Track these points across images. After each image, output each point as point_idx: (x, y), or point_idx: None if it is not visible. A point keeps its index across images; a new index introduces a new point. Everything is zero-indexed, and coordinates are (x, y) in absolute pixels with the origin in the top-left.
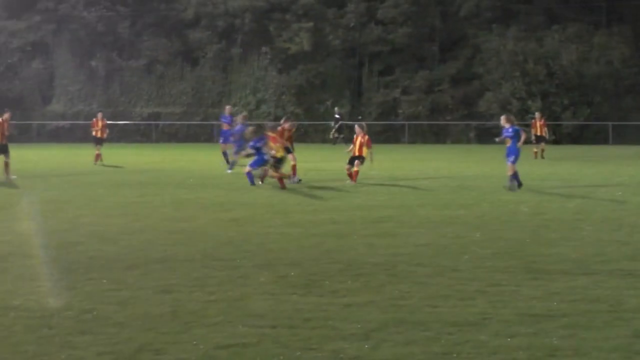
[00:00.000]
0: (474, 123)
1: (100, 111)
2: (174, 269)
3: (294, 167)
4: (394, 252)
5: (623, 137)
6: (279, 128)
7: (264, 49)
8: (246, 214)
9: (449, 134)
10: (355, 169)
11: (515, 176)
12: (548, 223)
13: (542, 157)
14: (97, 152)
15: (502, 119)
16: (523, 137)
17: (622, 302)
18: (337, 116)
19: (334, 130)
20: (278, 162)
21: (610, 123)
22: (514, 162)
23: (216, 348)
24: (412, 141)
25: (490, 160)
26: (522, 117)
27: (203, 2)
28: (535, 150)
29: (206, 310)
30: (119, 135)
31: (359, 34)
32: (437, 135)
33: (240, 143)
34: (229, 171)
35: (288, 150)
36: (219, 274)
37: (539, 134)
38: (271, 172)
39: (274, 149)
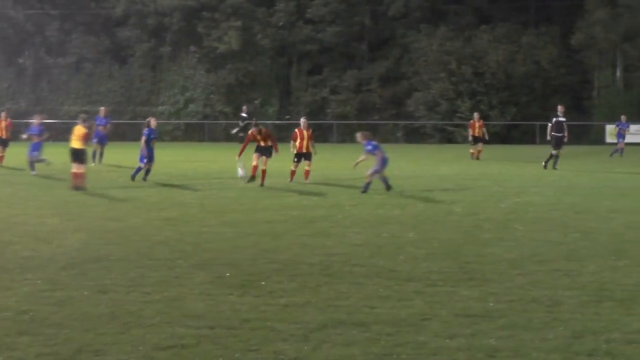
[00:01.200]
0: (402, 122)
1: (4, 110)
2: (110, 269)
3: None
4: (330, 252)
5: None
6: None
7: (192, 47)
8: (180, 213)
9: (377, 133)
10: (306, 168)
11: (368, 185)
12: (482, 223)
13: (478, 159)
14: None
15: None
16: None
17: (560, 303)
18: (244, 115)
19: (238, 128)
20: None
21: (537, 123)
22: (378, 172)
23: (155, 349)
24: (341, 140)
25: (419, 160)
26: (451, 117)
27: (132, 0)
28: (472, 151)
29: (144, 311)
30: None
31: (288, 33)
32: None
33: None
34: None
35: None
36: (155, 274)
37: (476, 135)
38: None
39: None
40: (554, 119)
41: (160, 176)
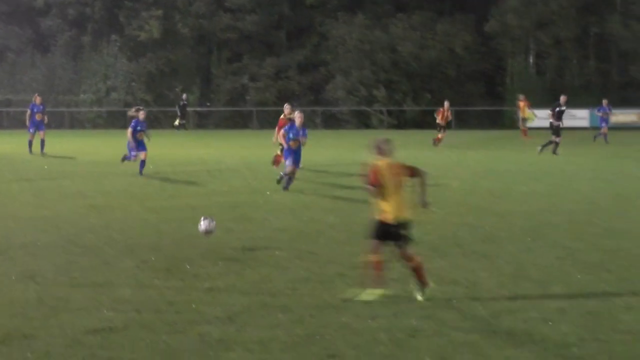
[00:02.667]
0: (320, 109)
1: None
2: (37, 255)
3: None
4: (253, 237)
5: (465, 122)
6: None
7: (113, 36)
8: (105, 201)
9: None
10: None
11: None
12: None
13: (436, 145)
14: None
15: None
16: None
17: (478, 283)
18: (184, 102)
19: (178, 117)
20: None
21: (453, 108)
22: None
23: (84, 333)
24: (261, 127)
25: (337, 146)
26: (370, 104)
27: None
28: (439, 136)
29: (71, 296)
30: None
31: (208, 21)
32: None
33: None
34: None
35: None
36: (83, 260)
37: (443, 123)
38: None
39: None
40: (557, 109)
41: (85, 165)
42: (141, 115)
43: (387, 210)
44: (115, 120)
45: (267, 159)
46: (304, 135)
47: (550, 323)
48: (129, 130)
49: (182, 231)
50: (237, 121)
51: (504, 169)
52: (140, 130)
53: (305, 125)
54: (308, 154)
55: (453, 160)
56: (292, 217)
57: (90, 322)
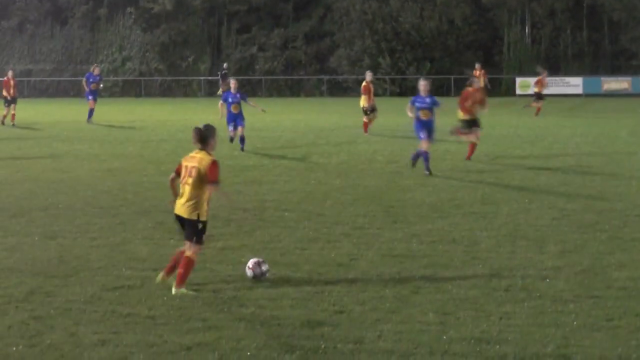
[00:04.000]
0: (326, 77)
1: (11, 69)
2: (57, 217)
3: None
4: (262, 199)
5: (487, 89)
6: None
7: (129, 9)
8: (121, 164)
9: (302, 88)
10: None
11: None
12: (402, 170)
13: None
14: None
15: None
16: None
17: (477, 243)
18: (225, 71)
19: (221, 86)
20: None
21: (452, 77)
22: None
23: (103, 290)
24: (269, 95)
25: (342, 113)
26: (373, 72)
27: None
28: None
29: (90, 255)
30: None
31: None
32: (291, 89)
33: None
34: None
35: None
36: (100, 221)
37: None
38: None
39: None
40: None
41: (102, 130)
42: (232, 85)
43: None
44: (131, 89)
45: (274, 125)
46: (436, 103)
47: (547, 280)
48: (222, 103)
49: None
50: (247, 89)
51: (500, 134)
52: (233, 102)
53: (312, 94)
54: (312, 120)
55: (451, 125)
56: (300, 180)
57: (109, 279)
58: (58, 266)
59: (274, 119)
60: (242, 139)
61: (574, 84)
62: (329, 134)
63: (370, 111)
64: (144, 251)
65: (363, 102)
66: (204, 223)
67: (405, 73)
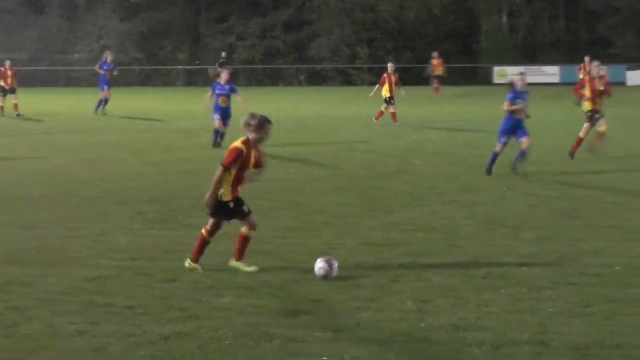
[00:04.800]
0: (305, 67)
1: (8, 60)
2: (36, 207)
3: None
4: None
5: (444, 78)
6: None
7: None
8: (100, 154)
9: (282, 77)
10: (392, 111)
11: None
12: (383, 159)
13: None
14: None
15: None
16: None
17: (457, 231)
18: (223, 60)
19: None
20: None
21: (455, 65)
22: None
23: (82, 280)
24: (248, 84)
25: (321, 102)
26: (352, 61)
27: None
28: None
29: (69, 246)
30: None
31: None
32: (271, 79)
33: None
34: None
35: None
36: (79, 211)
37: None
38: None
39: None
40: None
41: (81, 121)
42: (223, 76)
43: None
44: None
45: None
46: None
47: (523, 268)
48: (211, 95)
49: (176, 183)
50: None
51: (480, 121)
52: (221, 95)
53: (291, 83)
54: (292, 109)
55: (432, 114)
56: (279, 169)
57: (88, 270)
58: (36, 257)
59: (253, 109)
60: (222, 135)
61: (551, 73)
62: (309, 123)
63: (390, 101)
64: (123, 241)
65: (385, 92)
66: (225, 203)
67: (384, 62)
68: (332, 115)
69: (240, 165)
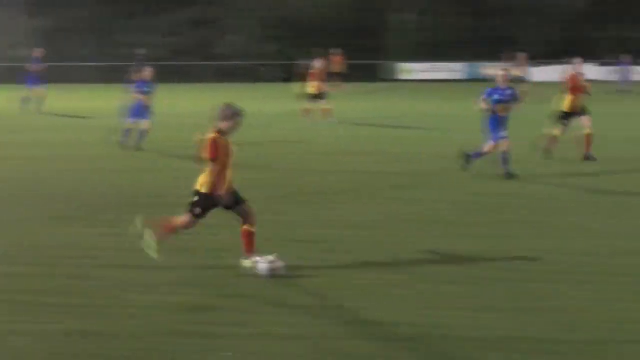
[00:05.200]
0: (212, 64)
1: None
2: None
3: None
4: (161, 185)
5: (349, 75)
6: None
7: None
8: (14, 153)
9: (189, 74)
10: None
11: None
12: (315, 155)
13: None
14: None
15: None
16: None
17: (382, 228)
18: (141, 57)
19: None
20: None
21: (359, 62)
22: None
23: None
24: (156, 81)
25: (233, 99)
26: (260, 58)
27: None
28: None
29: None
30: None
31: None
32: (179, 76)
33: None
34: None
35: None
36: None
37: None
38: None
39: None
40: None
41: None
42: (147, 74)
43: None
44: (15, 76)
45: (165, 111)
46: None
47: (446, 264)
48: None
49: (94, 180)
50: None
51: (395, 118)
52: (147, 92)
53: (199, 79)
54: (202, 106)
55: (343, 110)
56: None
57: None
58: None
59: (163, 105)
60: (143, 134)
61: (456, 70)
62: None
63: (317, 98)
64: (39, 239)
65: (311, 89)
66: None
67: (293, 59)
68: (253, 112)
69: (223, 154)
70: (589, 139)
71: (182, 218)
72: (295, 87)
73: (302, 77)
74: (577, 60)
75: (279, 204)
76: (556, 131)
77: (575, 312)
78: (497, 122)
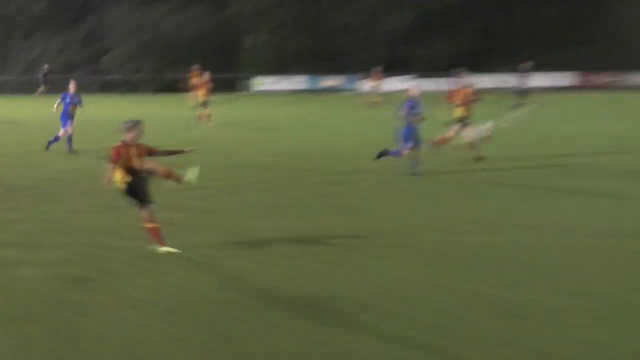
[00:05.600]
0: (97, 77)
1: None
2: None
3: None
4: (42, 177)
5: (216, 88)
6: None
7: None
8: None
9: (79, 86)
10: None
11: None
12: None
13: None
14: None
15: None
16: None
17: (223, 211)
18: (46, 71)
19: (42, 85)
20: None
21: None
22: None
23: None
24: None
25: (111, 107)
26: (139, 72)
27: None
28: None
29: None
30: None
31: (5, 3)
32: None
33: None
34: None
35: None
36: None
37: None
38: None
39: None
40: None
41: None
42: (72, 87)
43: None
44: None
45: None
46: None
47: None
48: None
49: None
50: (28, 88)
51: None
52: (71, 104)
53: (86, 91)
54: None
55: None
56: (73, 161)
57: None
58: None
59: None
60: (70, 138)
61: (299, 81)
62: (101, 125)
63: (203, 105)
64: None
65: (201, 96)
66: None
67: (165, 73)
68: (118, 119)
69: (124, 158)
70: (471, 143)
71: (144, 214)
72: (176, 97)
73: (185, 89)
74: (462, 71)
75: None
76: (449, 134)
77: (375, 276)
78: (412, 129)
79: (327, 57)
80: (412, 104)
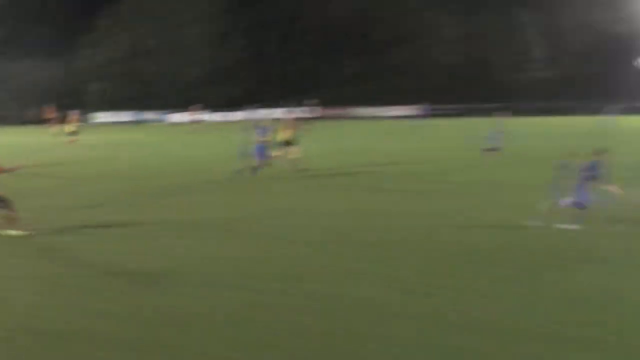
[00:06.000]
0: None
1: None
2: None
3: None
4: None
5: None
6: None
7: None
8: None
9: None
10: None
11: None
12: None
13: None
14: None
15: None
16: None
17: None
18: None
19: None
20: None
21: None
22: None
23: None
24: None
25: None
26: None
27: None
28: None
29: None
30: None
31: None
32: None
33: None
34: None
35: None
36: None
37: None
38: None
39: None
40: None
41: None
42: None
43: None
44: None
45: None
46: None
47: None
48: None
49: None
50: None
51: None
52: None
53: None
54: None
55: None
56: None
57: None
58: None
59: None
60: None
61: (127, 115)
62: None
63: (72, 134)
64: None
65: (69, 128)
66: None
67: (30, 109)
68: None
69: None
70: (293, 160)
71: (9, 214)
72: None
73: (52, 121)
74: (291, 105)
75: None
76: (278, 153)
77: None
78: (263, 147)
79: (148, 97)
80: (265, 129)
